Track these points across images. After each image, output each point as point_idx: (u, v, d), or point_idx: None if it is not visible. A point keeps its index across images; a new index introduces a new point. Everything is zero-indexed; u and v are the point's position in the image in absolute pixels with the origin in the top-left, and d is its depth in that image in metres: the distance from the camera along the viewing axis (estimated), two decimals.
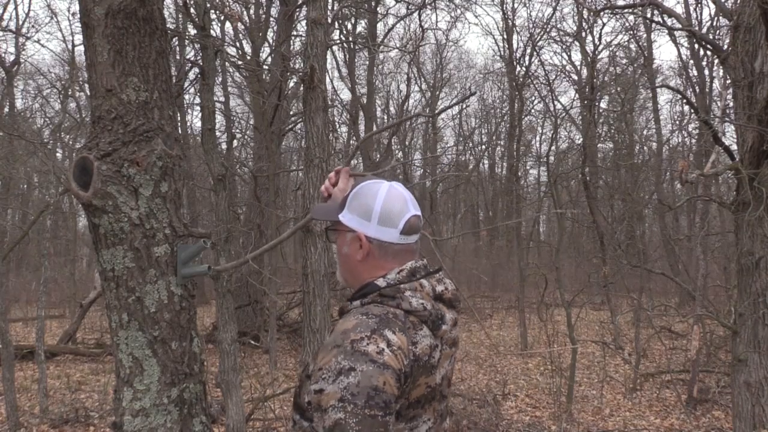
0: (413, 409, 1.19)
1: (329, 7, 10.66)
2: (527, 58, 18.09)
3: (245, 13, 12.65)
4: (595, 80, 14.64)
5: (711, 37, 11.93)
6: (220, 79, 14.27)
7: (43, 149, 10.64)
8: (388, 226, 1.28)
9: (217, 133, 10.55)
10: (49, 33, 48.45)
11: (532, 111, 21.96)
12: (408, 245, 1.30)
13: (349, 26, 17.38)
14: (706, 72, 15.75)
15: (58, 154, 19.64)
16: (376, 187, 1.31)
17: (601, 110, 17.18)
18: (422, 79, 22.46)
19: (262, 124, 10.77)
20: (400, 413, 1.17)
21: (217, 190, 4.80)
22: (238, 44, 14.30)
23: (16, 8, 35.60)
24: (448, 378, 1.32)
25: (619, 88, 16.29)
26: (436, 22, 31.69)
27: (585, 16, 16.03)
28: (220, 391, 4.82)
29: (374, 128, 19.14)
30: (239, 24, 11.73)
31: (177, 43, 12.52)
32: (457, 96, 26.50)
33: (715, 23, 14.02)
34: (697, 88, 15.84)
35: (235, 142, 14.55)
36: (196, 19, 4.93)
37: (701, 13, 23.91)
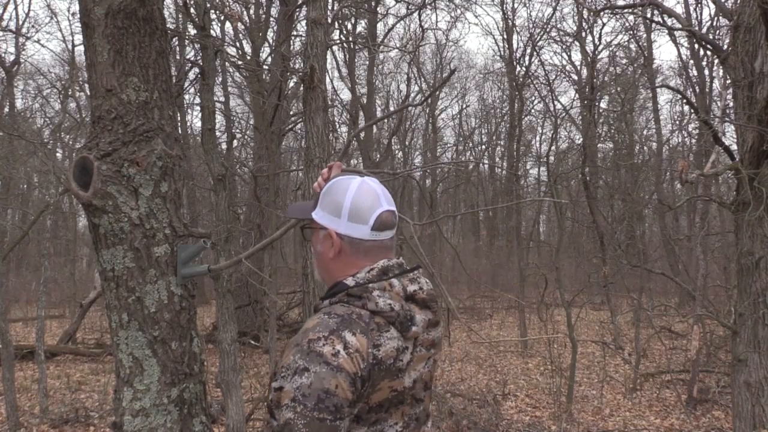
0: (375, 413, 1.16)
1: (329, 7, 10.66)
2: (527, 58, 18.11)
3: (245, 13, 12.66)
4: (595, 80, 14.64)
5: (711, 37, 11.93)
6: (220, 79, 14.27)
7: (43, 149, 10.65)
8: (358, 222, 1.24)
9: (217, 133, 10.56)
10: (49, 33, 48.51)
11: (532, 111, 21.98)
12: (381, 242, 1.27)
13: (349, 26, 17.38)
14: (706, 72, 15.75)
15: (58, 154, 19.65)
16: (346, 183, 1.28)
17: (601, 110, 17.18)
18: (422, 79, 22.45)
19: (262, 124, 10.77)
20: (360, 417, 1.15)
21: (217, 190, 4.80)
22: (238, 44, 14.31)
23: (16, 8, 35.64)
24: (424, 381, 1.28)
25: (619, 88, 16.29)
26: (436, 22, 31.71)
27: (585, 16, 16.04)
28: (220, 391, 4.82)
29: (374, 128, 19.16)
30: (239, 24, 11.73)
31: (177, 43, 12.53)
32: (457, 96, 26.56)
33: (715, 23, 14.03)
34: (697, 88, 15.84)
35: (235, 142, 14.56)
36: (196, 19, 4.93)
37: (701, 13, 23.94)
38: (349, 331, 1.12)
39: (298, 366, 1.09)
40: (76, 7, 18.44)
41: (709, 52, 13.87)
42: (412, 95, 20.83)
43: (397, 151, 21.97)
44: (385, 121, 22.37)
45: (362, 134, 17.63)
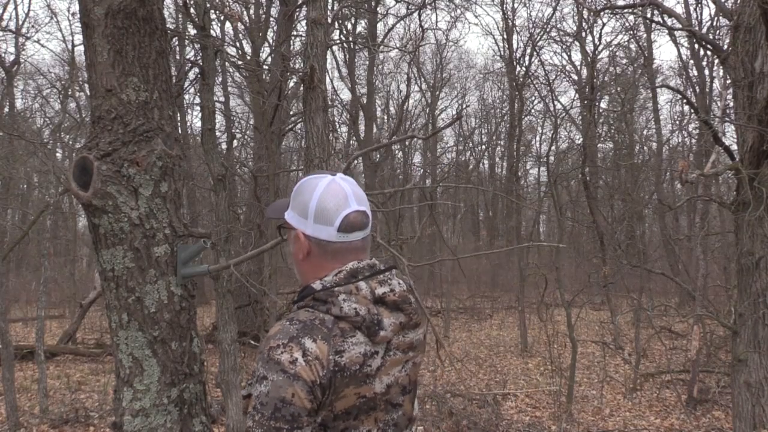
0: (343, 420, 1.14)
1: (329, 7, 10.66)
2: (527, 58, 18.12)
3: (245, 13, 12.66)
4: (595, 80, 14.64)
5: (711, 37, 11.93)
6: (220, 79, 14.29)
7: (43, 149, 10.65)
8: (324, 223, 1.21)
9: (217, 133, 10.55)
10: (49, 33, 48.45)
11: (532, 111, 21.98)
12: (350, 243, 1.23)
13: (349, 26, 17.39)
14: (706, 72, 15.75)
15: (58, 154, 19.66)
16: (314, 183, 1.25)
17: (601, 110, 17.19)
18: (422, 79, 22.46)
19: (262, 124, 10.77)
20: (326, 425, 1.13)
21: (217, 190, 4.80)
22: (238, 44, 14.32)
23: (16, 8, 35.64)
24: (402, 385, 1.24)
25: (619, 88, 16.29)
26: (436, 22, 31.72)
27: (585, 16, 16.04)
28: (220, 391, 4.82)
29: (374, 128, 19.16)
30: (239, 24, 11.72)
31: (177, 43, 12.53)
32: (457, 96, 26.57)
33: (715, 23, 14.02)
34: (697, 88, 15.84)
35: (235, 142, 14.57)
36: (196, 19, 4.93)
37: (701, 13, 23.95)
38: (309, 337, 1.11)
39: (259, 374, 1.09)
40: (76, 7, 18.44)
41: (709, 52, 13.87)
42: (413, 95, 20.83)
43: (397, 152, 21.98)
44: (386, 121, 22.34)
45: (362, 135, 17.65)
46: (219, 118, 14.93)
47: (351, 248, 1.23)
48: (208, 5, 5.16)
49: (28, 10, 40.17)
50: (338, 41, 14.72)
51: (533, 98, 20.76)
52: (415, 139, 20.39)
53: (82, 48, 9.82)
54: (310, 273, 1.25)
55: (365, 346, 1.15)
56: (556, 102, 19.16)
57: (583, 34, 17.78)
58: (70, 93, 17.72)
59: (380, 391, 1.19)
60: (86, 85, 13.45)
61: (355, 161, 18.42)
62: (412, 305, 1.25)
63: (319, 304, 1.16)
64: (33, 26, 29.21)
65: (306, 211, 1.23)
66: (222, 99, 14.99)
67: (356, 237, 1.24)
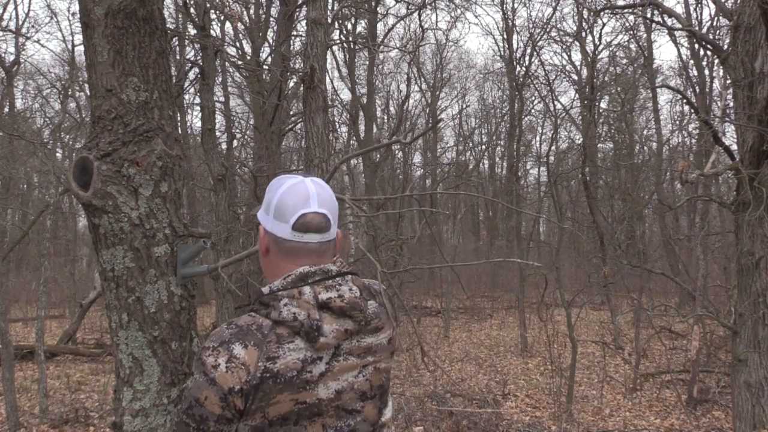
0: (280, 426, 1.13)
1: (329, 7, 10.66)
2: (527, 58, 18.13)
3: (245, 13, 12.66)
4: (595, 80, 14.65)
5: (711, 37, 11.93)
6: (220, 79, 14.29)
7: (43, 149, 10.65)
8: (281, 220, 1.22)
9: (217, 133, 10.56)
10: (49, 33, 48.48)
11: (532, 111, 21.98)
12: (304, 244, 1.22)
13: (349, 26, 17.40)
14: (706, 72, 15.75)
15: (58, 154, 19.64)
16: (282, 181, 1.27)
17: (601, 110, 17.19)
18: (422, 79, 22.45)
19: (262, 124, 10.77)
20: (262, 430, 1.13)
21: (217, 190, 4.81)
22: (238, 44, 14.32)
23: (16, 8, 35.67)
24: (360, 391, 1.22)
25: (619, 88, 16.29)
26: (436, 22, 31.73)
27: (585, 16, 16.04)
28: None
29: (374, 128, 19.17)
30: (239, 24, 11.73)
31: (177, 43, 12.53)
32: (457, 96, 26.58)
33: (715, 23, 14.03)
34: (697, 88, 15.84)
35: (235, 142, 14.58)
36: (196, 19, 4.93)
37: (701, 13, 23.97)
38: (240, 342, 1.13)
39: (192, 370, 1.16)
40: (76, 7, 18.44)
41: (709, 52, 13.87)
42: (413, 95, 20.82)
43: (397, 152, 21.97)
44: (386, 121, 22.32)
45: (362, 135, 17.65)
46: (219, 118, 14.94)
47: (305, 249, 1.22)
48: (208, 5, 5.17)
49: (28, 10, 40.28)
50: (338, 41, 14.73)
51: (533, 98, 20.78)
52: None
53: (82, 48, 9.83)
54: (269, 272, 1.27)
55: (305, 352, 1.14)
56: (556, 102, 19.20)
57: (583, 34, 17.79)
58: (70, 93, 17.73)
59: (327, 396, 1.17)
60: (86, 85, 13.45)
61: (355, 161, 18.43)
62: (364, 312, 1.21)
63: (262, 308, 1.18)
64: (33, 26, 29.20)
65: (269, 207, 1.25)
66: (222, 99, 15.00)
67: (311, 239, 1.22)
